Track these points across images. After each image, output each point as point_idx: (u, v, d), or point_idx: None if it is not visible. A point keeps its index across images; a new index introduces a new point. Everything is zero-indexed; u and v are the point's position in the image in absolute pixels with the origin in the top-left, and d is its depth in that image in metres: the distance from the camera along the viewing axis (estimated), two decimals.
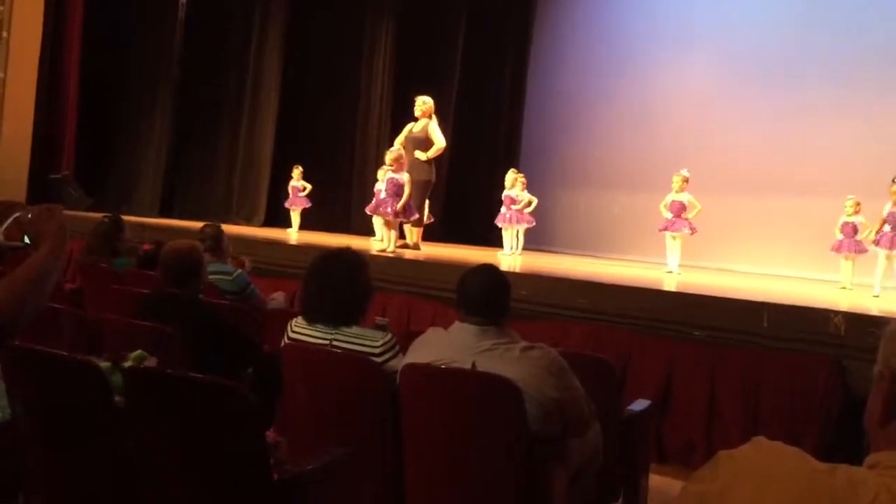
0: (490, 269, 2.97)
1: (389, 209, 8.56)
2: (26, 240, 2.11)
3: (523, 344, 2.84)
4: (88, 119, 12.11)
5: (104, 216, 5.87)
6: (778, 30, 12.58)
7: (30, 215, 2.03)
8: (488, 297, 2.86)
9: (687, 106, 13.17)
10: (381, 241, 9.33)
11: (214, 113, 13.41)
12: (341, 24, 14.06)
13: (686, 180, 9.54)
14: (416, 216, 8.98)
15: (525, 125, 14.68)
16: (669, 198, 9.60)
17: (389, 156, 8.76)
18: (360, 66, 14.05)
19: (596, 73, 14.18)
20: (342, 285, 3.09)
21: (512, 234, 10.58)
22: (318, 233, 11.79)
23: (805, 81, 12.17)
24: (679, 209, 9.49)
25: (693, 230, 9.49)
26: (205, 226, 5.54)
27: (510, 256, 10.29)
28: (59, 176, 11.47)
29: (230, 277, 4.97)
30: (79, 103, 11.94)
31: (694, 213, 9.51)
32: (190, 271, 3.65)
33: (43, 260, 1.89)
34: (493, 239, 12.24)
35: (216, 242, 5.22)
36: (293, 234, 11.29)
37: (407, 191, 8.49)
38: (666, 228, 9.57)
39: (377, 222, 10.90)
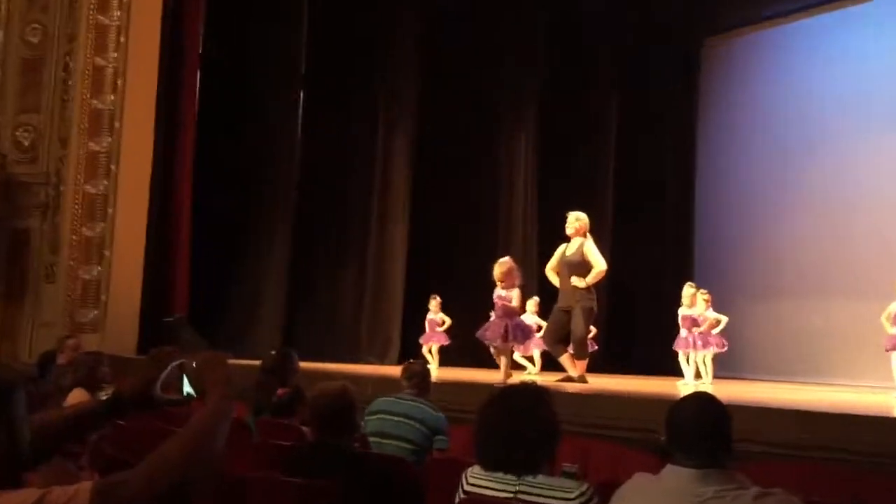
0: (705, 400, 2.94)
1: (489, 333, 8.79)
2: (186, 390, 2.17)
3: (755, 490, 2.72)
4: (202, 256, 12.70)
5: (273, 350, 6.12)
6: None
7: (193, 364, 2.10)
8: (707, 433, 2.79)
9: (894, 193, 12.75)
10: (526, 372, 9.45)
11: (338, 240, 13.89)
12: (474, 132, 14.53)
13: None
14: (531, 341, 9.31)
15: (697, 233, 14.49)
16: (894, 308, 9.15)
17: (498, 269, 8.92)
18: (499, 180, 14.42)
19: (776, 166, 13.97)
20: (525, 426, 3.04)
21: (695, 361, 10.35)
22: (460, 369, 11.94)
23: None
24: None
25: None
26: (411, 363, 5.96)
27: (696, 386, 10.01)
28: (172, 319, 11.89)
29: (434, 412, 5.32)
30: (192, 239, 12.55)
31: None
32: (344, 418, 3.74)
33: (212, 415, 1.91)
34: (665, 367, 12.08)
35: (423, 380, 5.64)
36: (432, 373, 11.24)
37: (515, 307, 8.80)
38: (895, 347, 9.07)
39: (535, 353, 11.24)
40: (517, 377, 8.85)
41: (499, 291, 8.97)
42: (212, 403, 1.95)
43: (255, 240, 13.42)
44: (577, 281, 9.11)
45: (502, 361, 8.94)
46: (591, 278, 9.14)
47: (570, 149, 14.69)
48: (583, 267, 9.17)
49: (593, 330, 10.68)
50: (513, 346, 9.18)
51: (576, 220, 9.36)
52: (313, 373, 9.15)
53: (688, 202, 14.97)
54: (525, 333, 9.08)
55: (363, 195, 13.98)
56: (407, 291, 13.64)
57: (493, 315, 9.06)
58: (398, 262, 13.78)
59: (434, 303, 12.31)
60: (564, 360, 9.41)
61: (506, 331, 8.87)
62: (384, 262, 13.81)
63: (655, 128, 14.98)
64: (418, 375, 5.68)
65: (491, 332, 8.99)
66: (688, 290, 10.55)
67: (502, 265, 8.99)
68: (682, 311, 10.51)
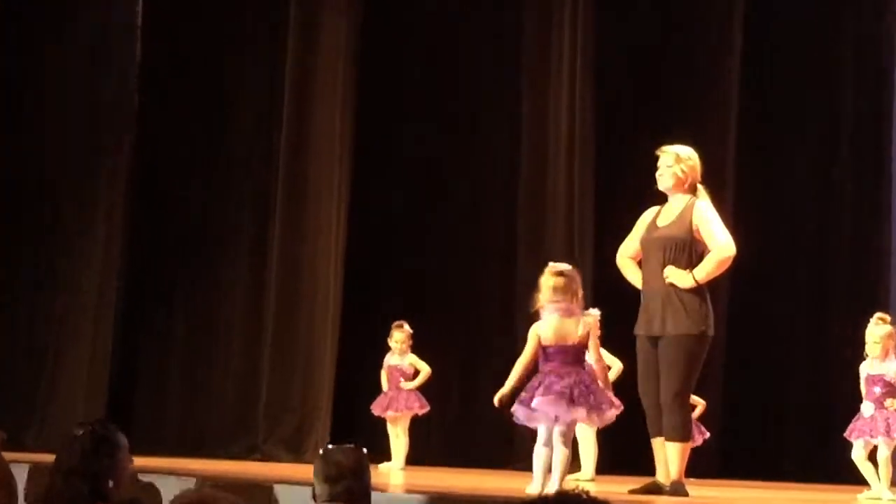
0: None
1: (561, 406, 8.55)
2: None
3: None
4: None
5: (80, 426, 6.11)
6: None
7: None
8: None
9: None
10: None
11: (212, 230, 14.26)
12: (467, 31, 14.62)
13: None
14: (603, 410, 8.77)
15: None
16: None
17: (547, 283, 8.91)
18: (516, 112, 14.35)
19: None
20: None
21: (889, 458, 10.13)
22: (450, 470, 12.05)
23: None
24: None
25: None
26: (331, 451, 5.92)
27: None
28: None
29: None
30: None
31: None
32: None
33: None
34: (830, 469, 12.12)
35: (356, 480, 5.67)
36: (394, 474, 11.45)
37: (593, 349, 8.78)
38: None
39: (582, 438, 11.08)
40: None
41: (555, 316, 8.84)
42: None
43: (56, 228, 13.77)
44: (676, 276, 9.11)
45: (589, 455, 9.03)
46: (707, 270, 9.14)
47: (650, 59, 14.59)
48: (689, 249, 9.21)
49: (700, 404, 10.57)
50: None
51: (675, 162, 9.41)
52: (163, 476, 9.25)
53: (877, 166, 14.72)
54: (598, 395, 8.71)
55: (260, 151, 14.44)
56: (344, 321, 13.68)
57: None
58: (326, 267, 13.82)
59: (400, 336, 12.37)
60: (660, 447, 9.24)
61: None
62: (300, 269, 13.92)
63: (819, 34, 14.82)
64: (348, 473, 5.66)
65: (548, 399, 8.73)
66: (878, 328, 10.25)
67: (554, 272, 8.92)
68: (866, 368, 10.26)
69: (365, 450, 5.93)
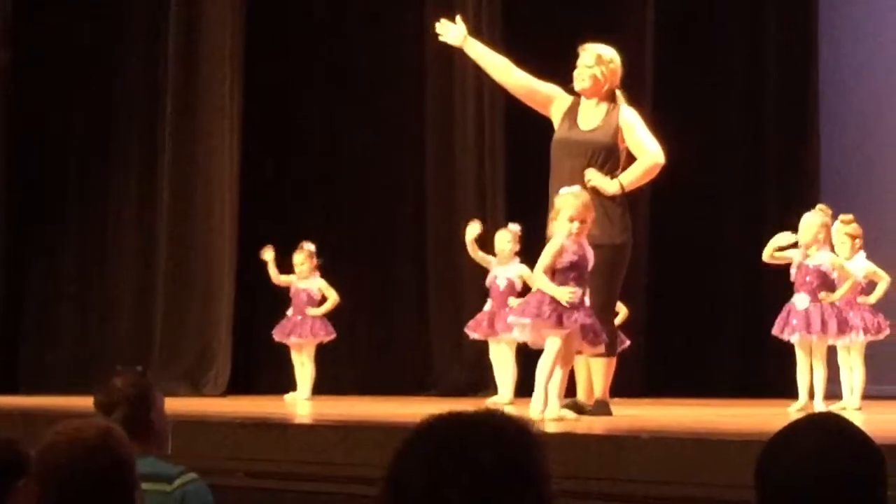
0: (836, 431, 3.16)
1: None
2: None
3: None
4: None
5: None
6: None
7: None
8: (840, 493, 3.02)
9: None
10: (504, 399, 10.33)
11: (97, 157, 14.23)
12: None
13: None
14: (605, 341, 8.91)
15: (823, 122, 14.30)
16: None
17: (569, 202, 8.68)
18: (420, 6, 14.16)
19: None
20: (496, 494, 2.68)
21: (823, 359, 10.09)
22: (362, 399, 12.19)
23: None
24: None
25: None
26: (114, 375, 5.71)
27: (839, 413, 9.78)
28: None
29: (169, 487, 5.22)
30: None
31: None
32: (107, 489, 3.86)
33: None
34: (766, 379, 12.38)
35: (139, 409, 5.42)
36: (301, 405, 11.55)
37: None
38: None
39: (499, 360, 11.19)
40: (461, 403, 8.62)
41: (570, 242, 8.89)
42: None
43: None
44: (601, 181, 9.11)
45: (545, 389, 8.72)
46: (635, 177, 9.26)
47: None
48: (613, 156, 9.24)
49: (622, 311, 10.60)
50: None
51: (596, 62, 9.37)
52: (47, 415, 9.45)
53: (802, 60, 14.72)
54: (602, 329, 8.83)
55: (148, 65, 14.46)
56: (244, 246, 13.70)
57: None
58: (220, 189, 13.81)
59: (299, 257, 12.39)
60: (581, 365, 9.38)
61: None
62: (192, 192, 13.95)
63: None
64: (123, 400, 5.43)
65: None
66: (814, 217, 10.15)
67: (572, 197, 8.74)
68: (799, 257, 10.15)
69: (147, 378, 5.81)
